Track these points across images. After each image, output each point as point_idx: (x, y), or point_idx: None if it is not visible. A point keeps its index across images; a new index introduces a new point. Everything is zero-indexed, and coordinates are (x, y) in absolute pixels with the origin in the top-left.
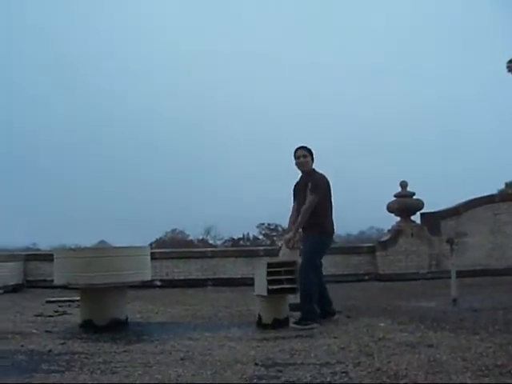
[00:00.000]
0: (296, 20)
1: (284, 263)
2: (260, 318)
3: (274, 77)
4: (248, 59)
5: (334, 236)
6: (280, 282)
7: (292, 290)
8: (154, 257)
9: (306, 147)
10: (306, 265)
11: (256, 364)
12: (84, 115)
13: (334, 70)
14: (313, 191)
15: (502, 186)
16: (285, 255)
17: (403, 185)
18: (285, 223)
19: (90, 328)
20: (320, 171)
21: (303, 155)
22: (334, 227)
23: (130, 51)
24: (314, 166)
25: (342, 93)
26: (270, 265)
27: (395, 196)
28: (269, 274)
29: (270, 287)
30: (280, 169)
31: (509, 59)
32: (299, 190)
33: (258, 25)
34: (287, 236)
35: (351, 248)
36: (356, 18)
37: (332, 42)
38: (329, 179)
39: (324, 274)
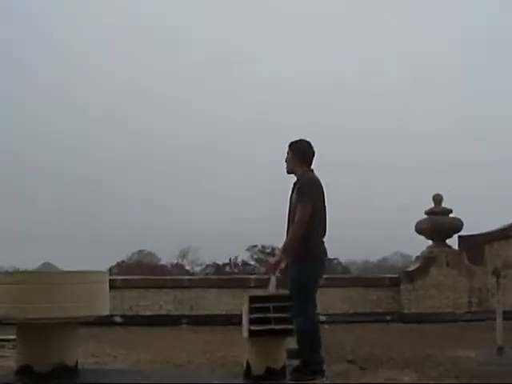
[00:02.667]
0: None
1: (274, 297)
2: (249, 366)
3: None
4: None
5: (343, 262)
6: (267, 321)
7: (284, 332)
8: (114, 285)
9: (291, 143)
10: (298, 296)
11: None
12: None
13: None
14: (300, 200)
15: None
16: (275, 287)
17: (437, 199)
18: None
19: (28, 376)
20: (312, 173)
21: (287, 154)
22: (326, 251)
23: None
24: (306, 167)
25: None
26: (253, 299)
27: (426, 213)
28: (253, 310)
29: (253, 328)
30: (278, 178)
31: None
32: (290, 202)
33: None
34: (271, 260)
35: (369, 280)
36: None
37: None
38: (321, 183)
39: (333, 312)
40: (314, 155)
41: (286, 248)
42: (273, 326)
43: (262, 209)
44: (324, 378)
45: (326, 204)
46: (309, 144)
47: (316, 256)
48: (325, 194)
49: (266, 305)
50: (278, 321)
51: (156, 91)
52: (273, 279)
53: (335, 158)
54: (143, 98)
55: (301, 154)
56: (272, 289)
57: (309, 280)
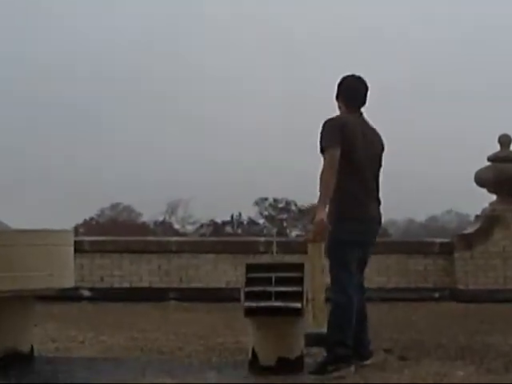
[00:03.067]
0: None
1: (278, 266)
2: (255, 356)
3: None
4: None
5: (387, 224)
6: (268, 296)
7: (287, 311)
8: (80, 249)
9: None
10: (333, 268)
11: None
12: None
13: None
14: (322, 150)
15: None
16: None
17: (504, 141)
18: (303, 199)
19: None
20: (348, 115)
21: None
22: (372, 209)
23: None
24: (348, 110)
25: None
26: (250, 267)
27: (489, 160)
28: (250, 282)
29: (248, 305)
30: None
31: None
32: None
33: None
34: (317, 218)
35: (414, 245)
36: None
37: None
38: (355, 123)
39: (366, 287)
40: (358, 94)
41: (319, 205)
42: (272, 303)
43: (274, 150)
44: (351, 369)
45: (377, 151)
46: (354, 80)
47: (351, 212)
48: (370, 139)
49: (268, 275)
50: (281, 296)
51: None
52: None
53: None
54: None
55: (343, 94)
56: (276, 254)
57: (340, 243)
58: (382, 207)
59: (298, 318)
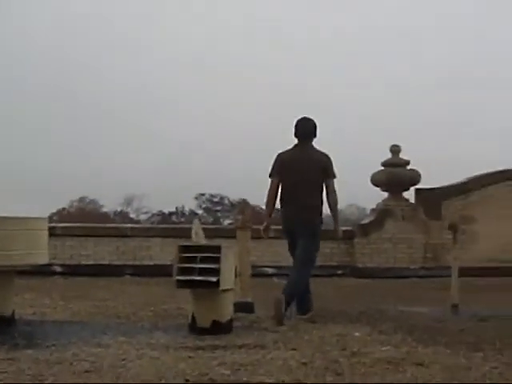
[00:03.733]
0: None
1: (204, 247)
2: (194, 319)
3: None
4: None
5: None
6: (193, 271)
7: (208, 284)
8: (53, 233)
9: None
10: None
11: (187, 380)
12: None
13: None
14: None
15: None
16: (199, 237)
17: (394, 150)
18: (235, 195)
19: None
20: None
21: None
22: (291, 210)
23: None
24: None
25: None
26: (182, 248)
27: (383, 165)
28: (182, 260)
29: (179, 278)
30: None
31: None
32: None
33: None
34: None
35: (322, 232)
36: None
37: None
38: (291, 156)
39: (283, 265)
40: (296, 130)
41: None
42: (195, 277)
43: (212, 157)
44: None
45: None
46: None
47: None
48: (293, 165)
49: (195, 255)
50: (203, 272)
51: None
52: (196, 227)
53: None
54: None
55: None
56: (196, 238)
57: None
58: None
59: (217, 289)
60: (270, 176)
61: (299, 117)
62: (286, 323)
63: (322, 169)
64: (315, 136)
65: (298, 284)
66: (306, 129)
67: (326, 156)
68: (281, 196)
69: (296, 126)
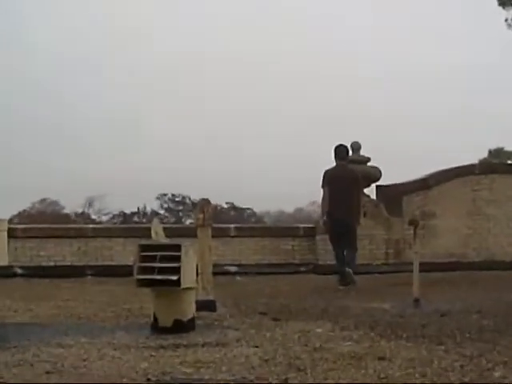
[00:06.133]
0: None
1: (164, 246)
2: (156, 319)
3: None
4: None
5: (257, 213)
6: (154, 270)
7: (169, 282)
8: (13, 235)
9: None
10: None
11: (148, 380)
12: None
13: None
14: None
15: (485, 155)
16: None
17: (355, 147)
18: (196, 194)
19: None
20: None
21: None
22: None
23: None
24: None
25: None
26: (143, 247)
27: None
28: (142, 259)
29: (139, 277)
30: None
31: None
32: None
33: None
34: None
35: (283, 229)
36: None
37: None
38: (339, 172)
39: (245, 263)
40: (336, 154)
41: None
42: (155, 276)
43: (174, 157)
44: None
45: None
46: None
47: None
48: (340, 179)
49: (156, 253)
50: (164, 271)
51: None
52: (156, 226)
53: None
54: None
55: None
56: (156, 237)
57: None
58: (257, 200)
59: (178, 288)
60: (321, 187)
61: (337, 143)
62: (247, 320)
63: (356, 182)
64: (348, 157)
65: (354, 260)
66: (342, 153)
67: (357, 173)
68: (329, 201)
69: (335, 150)
